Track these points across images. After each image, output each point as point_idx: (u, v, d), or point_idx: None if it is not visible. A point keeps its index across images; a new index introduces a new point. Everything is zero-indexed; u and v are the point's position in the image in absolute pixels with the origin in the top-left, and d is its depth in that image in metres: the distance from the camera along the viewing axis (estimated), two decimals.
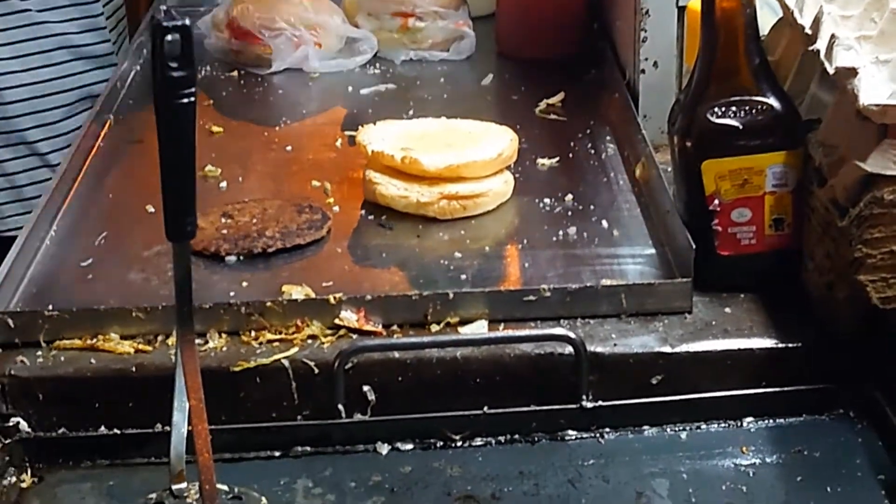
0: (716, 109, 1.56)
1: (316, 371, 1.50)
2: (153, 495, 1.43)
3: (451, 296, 1.56)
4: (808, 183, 1.55)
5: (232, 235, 1.72)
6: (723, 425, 1.52)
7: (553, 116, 2.16)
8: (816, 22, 1.54)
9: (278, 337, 1.53)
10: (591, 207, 1.82)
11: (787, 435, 1.51)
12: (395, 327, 1.56)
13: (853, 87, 1.41)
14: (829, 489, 1.41)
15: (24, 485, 1.46)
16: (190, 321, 1.29)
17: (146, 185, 1.82)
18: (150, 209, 1.78)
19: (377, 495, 1.44)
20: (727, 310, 1.58)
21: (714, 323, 1.56)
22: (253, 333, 1.54)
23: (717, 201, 1.57)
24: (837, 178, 1.45)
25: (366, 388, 1.50)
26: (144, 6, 2.81)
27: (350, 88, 2.33)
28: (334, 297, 1.54)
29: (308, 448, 1.50)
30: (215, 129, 2.13)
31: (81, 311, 1.54)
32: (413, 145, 1.83)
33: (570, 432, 1.52)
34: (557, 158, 1.97)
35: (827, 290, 1.51)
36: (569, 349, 1.50)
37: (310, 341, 1.53)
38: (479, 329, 1.55)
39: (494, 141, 1.86)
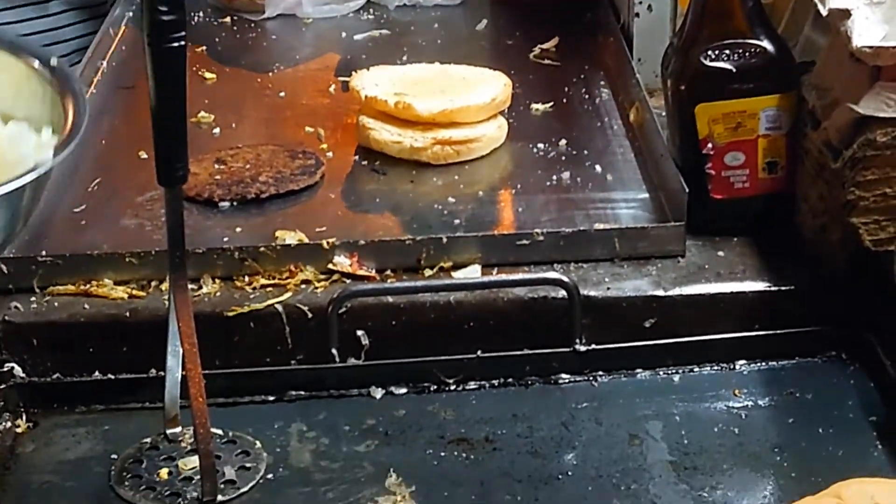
0: (709, 53, 1.55)
1: (309, 316, 1.50)
2: (148, 440, 1.43)
3: (445, 240, 1.56)
4: (802, 126, 1.55)
5: (225, 181, 1.72)
6: (715, 368, 1.53)
7: (547, 61, 2.15)
8: None
9: (272, 282, 1.54)
10: (585, 152, 1.81)
11: (780, 377, 1.51)
12: (388, 272, 1.56)
13: (846, 28, 1.40)
14: (820, 431, 1.42)
15: (18, 430, 1.46)
16: (183, 266, 1.28)
17: (139, 132, 1.81)
18: (143, 155, 1.78)
19: (371, 439, 1.44)
20: (720, 253, 1.58)
21: (707, 266, 1.56)
22: (246, 279, 1.54)
23: (710, 145, 1.57)
24: (831, 121, 1.45)
25: (359, 332, 1.51)
26: None
27: (343, 34, 2.32)
28: (328, 242, 1.54)
29: (302, 392, 1.51)
30: (208, 75, 2.12)
31: (75, 256, 1.54)
32: (407, 91, 1.83)
33: (564, 376, 1.52)
34: (551, 103, 1.97)
35: (820, 233, 1.51)
36: (562, 293, 1.50)
37: (303, 286, 1.53)
38: (472, 273, 1.55)
39: (488, 86, 1.86)
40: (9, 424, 1.46)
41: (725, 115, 1.55)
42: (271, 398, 1.50)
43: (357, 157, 1.82)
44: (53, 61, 1.27)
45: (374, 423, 1.47)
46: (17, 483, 1.38)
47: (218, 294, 1.52)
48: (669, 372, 1.53)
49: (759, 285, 1.53)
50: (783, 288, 1.53)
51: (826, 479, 1.26)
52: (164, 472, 1.38)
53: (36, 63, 1.27)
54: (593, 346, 1.52)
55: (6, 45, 1.29)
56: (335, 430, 1.46)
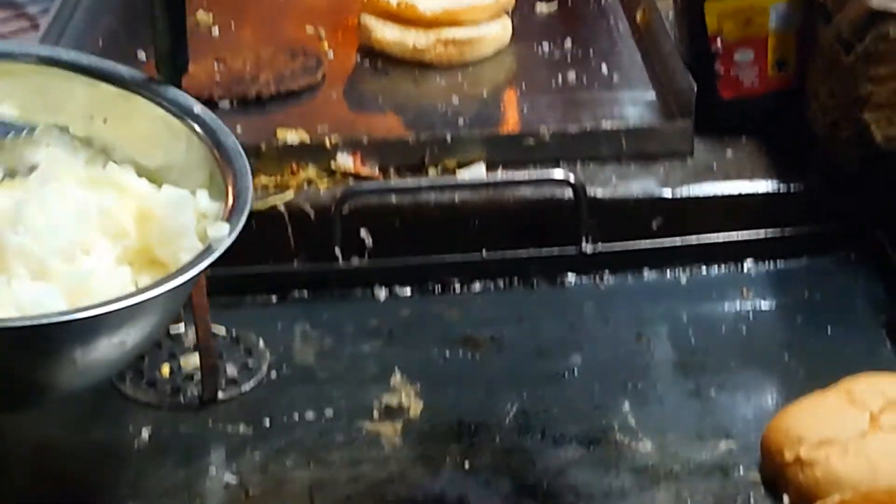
0: None
1: (312, 215, 1.49)
2: None
3: (449, 139, 1.53)
4: (813, 22, 1.52)
5: (225, 81, 1.69)
6: (723, 269, 1.51)
7: None
8: None
9: (275, 181, 1.52)
10: (591, 52, 1.79)
11: (788, 278, 1.50)
12: (392, 171, 1.54)
13: None
14: (829, 330, 1.41)
15: None
16: None
17: (136, 32, 1.79)
18: (142, 56, 1.74)
19: (375, 339, 1.43)
20: (728, 153, 1.56)
21: (715, 166, 1.54)
22: None
23: (719, 42, 1.55)
24: (843, 14, 1.42)
25: (363, 232, 1.49)
26: None
27: None
28: (330, 141, 1.52)
29: (305, 293, 1.49)
30: None
31: None
32: None
33: (570, 276, 1.51)
34: (556, 4, 1.94)
35: (830, 131, 1.49)
36: (568, 193, 1.49)
37: (306, 186, 1.51)
38: (476, 173, 1.53)
39: None
40: None
41: (735, 10, 1.53)
42: (274, 298, 1.49)
43: (359, 58, 1.79)
44: (197, 108, 1.20)
45: (378, 324, 1.45)
46: None
47: None
48: (676, 272, 1.51)
49: (768, 185, 1.52)
50: (792, 187, 1.51)
51: (835, 378, 1.26)
52: (165, 370, 1.37)
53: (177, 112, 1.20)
54: (600, 246, 1.50)
55: (142, 87, 1.22)
56: (338, 330, 1.44)
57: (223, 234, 1.09)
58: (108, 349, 1.03)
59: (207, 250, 1.07)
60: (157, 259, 1.10)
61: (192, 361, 1.36)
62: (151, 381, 1.36)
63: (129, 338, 1.03)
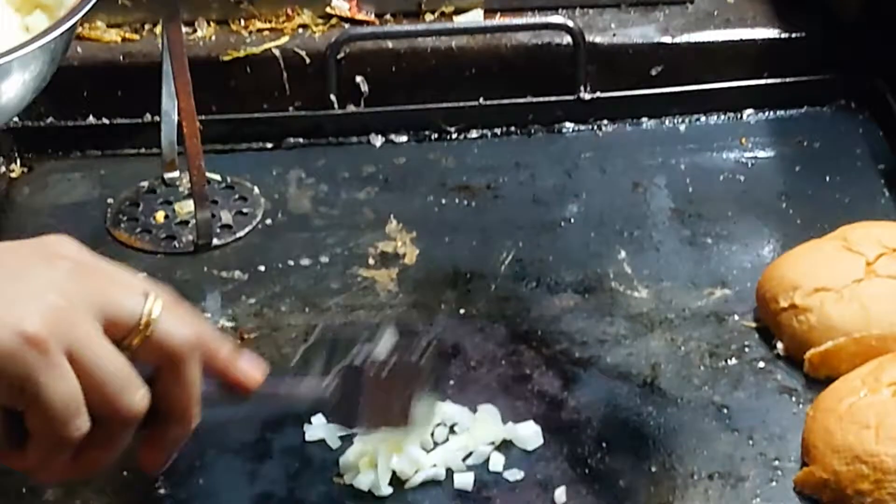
0: None
1: (307, 61, 1.47)
2: (144, 183, 1.41)
3: None
4: None
5: None
6: (722, 117, 1.50)
7: None
8: None
9: (268, 26, 1.49)
10: None
11: (787, 126, 1.48)
12: (388, 17, 1.51)
13: None
14: (828, 179, 1.40)
15: (13, 174, 1.44)
16: (176, 7, 1.24)
17: None
18: None
19: (371, 185, 1.42)
20: None
21: (716, 13, 1.52)
22: (242, 22, 1.50)
23: None
24: None
25: (358, 78, 1.48)
26: None
27: None
28: None
29: (301, 139, 1.48)
30: None
31: None
32: None
33: (567, 124, 1.49)
34: None
35: None
36: (567, 39, 1.47)
37: (301, 31, 1.49)
38: (474, 18, 1.51)
39: None
40: (3, 169, 1.44)
41: None
42: (269, 145, 1.48)
43: None
44: None
45: (373, 171, 1.44)
46: (13, 227, 1.36)
47: (213, 38, 1.48)
48: (675, 121, 1.50)
49: (769, 32, 1.50)
50: (793, 35, 1.49)
51: (832, 226, 1.25)
52: (160, 216, 1.37)
53: None
54: (598, 94, 1.49)
55: None
56: (334, 177, 1.44)
57: None
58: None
59: None
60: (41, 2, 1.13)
61: (186, 207, 1.36)
62: (146, 228, 1.35)
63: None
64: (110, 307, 0.72)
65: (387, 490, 1.05)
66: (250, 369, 0.79)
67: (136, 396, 0.72)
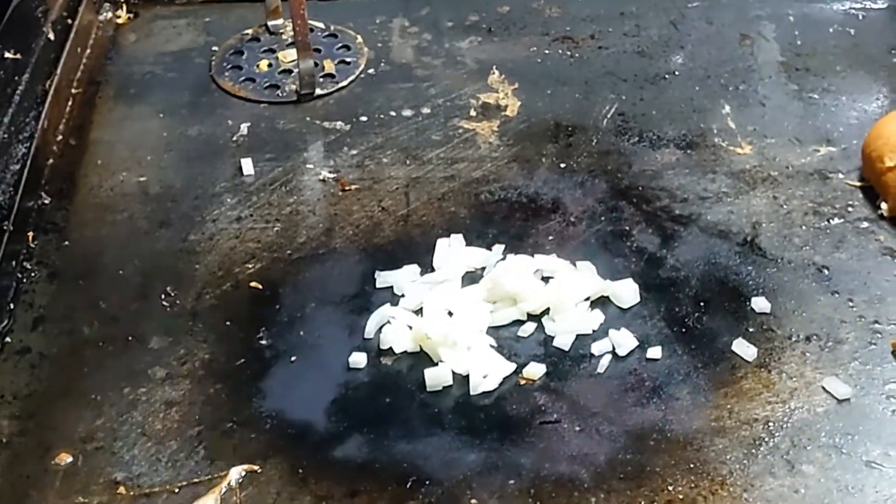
0: None
1: None
2: (249, 31, 1.42)
3: None
4: None
5: None
6: None
7: None
8: None
9: None
10: None
11: None
12: None
13: None
14: None
15: (119, 20, 1.45)
16: None
17: None
18: None
19: (474, 34, 1.41)
20: None
21: None
22: None
23: None
24: None
25: None
26: None
27: None
28: None
29: None
30: None
31: None
32: None
33: None
34: None
35: None
36: None
37: None
38: None
39: None
40: (109, 15, 1.45)
41: None
42: None
43: None
44: None
45: (477, 20, 1.43)
46: (119, 73, 1.38)
47: None
48: None
49: None
50: None
51: None
52: (263, 64, 1.37)
53: None
54: None
55: None
56: (437, 25, 1.43)
57: None
58: None
59: None
60: None
61: (290, 56, 1.36)
62: (250, 76, 1.36)
63: None
64: None
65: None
66: None
67: None
